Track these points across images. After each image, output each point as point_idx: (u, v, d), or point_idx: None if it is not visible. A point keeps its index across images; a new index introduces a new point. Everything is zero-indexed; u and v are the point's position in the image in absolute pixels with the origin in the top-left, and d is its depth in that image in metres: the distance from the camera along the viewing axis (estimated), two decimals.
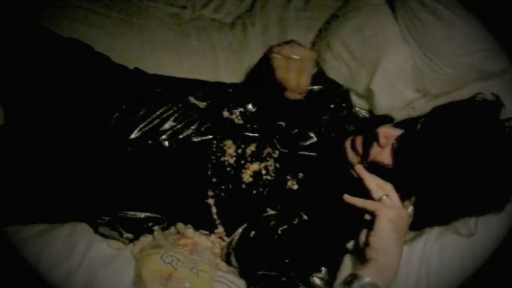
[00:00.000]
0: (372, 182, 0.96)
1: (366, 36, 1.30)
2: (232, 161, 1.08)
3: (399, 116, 1.21)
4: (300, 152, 1.11)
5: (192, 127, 1.11)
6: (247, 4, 1.65)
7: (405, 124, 1.04)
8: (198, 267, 1.01)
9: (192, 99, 1.16)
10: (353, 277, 0.90)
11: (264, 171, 1.08)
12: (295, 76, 1.06)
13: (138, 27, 1.51)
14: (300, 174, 1.08)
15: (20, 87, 1.13)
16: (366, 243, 0.92)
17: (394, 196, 0.94)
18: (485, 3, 1.16)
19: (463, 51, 1.19)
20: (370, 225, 0.94)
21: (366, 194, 0.96)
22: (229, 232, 1.08)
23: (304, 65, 1.07)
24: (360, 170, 0.98)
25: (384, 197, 0.94)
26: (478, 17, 1.17)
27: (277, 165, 1.09)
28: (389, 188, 0.95)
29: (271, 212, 1.06)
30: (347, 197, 0.96)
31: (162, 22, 1.56)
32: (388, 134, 1.01)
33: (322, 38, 1.43)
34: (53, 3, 1.47)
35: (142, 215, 1.09)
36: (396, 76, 1.27)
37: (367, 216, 0.96)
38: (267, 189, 1.07)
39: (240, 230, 1.06)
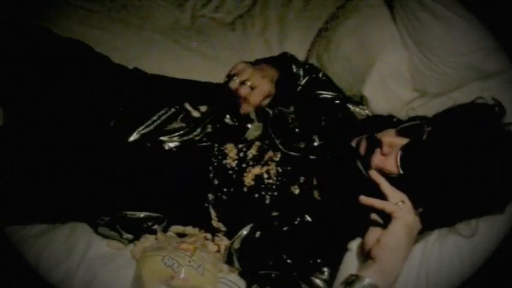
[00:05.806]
0: (389, 187, 0.97)
1: (362, 38, 1.30)
2: (234, 164, 1.07)
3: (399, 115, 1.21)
4: (302, 155, 1.10)
5: (194, 133, 1.11)
6: (247, 4, 1.65)
7: (409, 132, 1.03)
8: (204, 266, 1.01)
9: (188, 106, 1.15)
10: (355, 277, 0.90)
11: (265, 175, 1.07)
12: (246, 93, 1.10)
13: (138, 27, 1.51)
14: (302, 179, 1.07)
15: (19, 88, 1.13)
16: (376, 241, 0.93)
17: (409, 203, 0.96)
18: (484, 2, 1.16)
19: (461, 51, 1.19)
20: (381, 225, 0.95)
21: (378, 197, 0.96)
22: (229, 234, 1.08)
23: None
24: (375, 174, 0.99)
25: (400, 203, 0.95)
26: (477, 17, 1.17)
27: (279, 169, 1.08)
28: (403, 195, 0.96)
29: (274, 213, 1.06)
30: (363, 198, 0.97)
31: (162, 22, 1.56)
32: (392, 143, 1.01)
33: (321, 39, 1.43)
34: (53, 3, 1.47)
35: (142, 214, 1.08)
36: (391, 77, 1.27)
37: (375, 216, 0.97)
38: (269, 193, 1.06)
39: (243, 232, 1.05)
